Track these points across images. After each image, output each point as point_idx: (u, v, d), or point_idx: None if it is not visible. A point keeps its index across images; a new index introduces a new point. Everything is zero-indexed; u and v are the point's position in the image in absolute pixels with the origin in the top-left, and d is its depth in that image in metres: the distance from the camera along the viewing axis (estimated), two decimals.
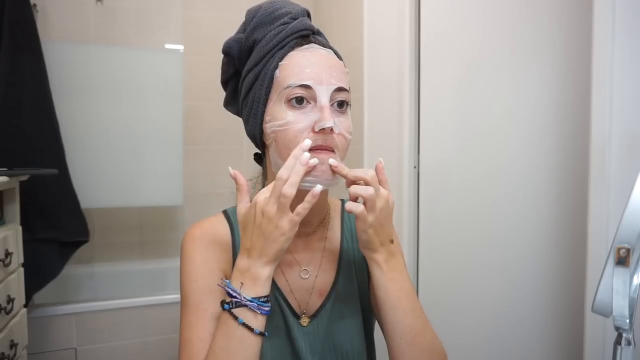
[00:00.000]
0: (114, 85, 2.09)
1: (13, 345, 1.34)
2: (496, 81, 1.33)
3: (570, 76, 1.12)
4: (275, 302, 0.73)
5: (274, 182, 0.59)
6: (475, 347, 1.40)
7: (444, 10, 1.54)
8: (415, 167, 1.66)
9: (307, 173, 0.61)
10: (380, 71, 1.82)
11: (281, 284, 0.74)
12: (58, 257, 1.83)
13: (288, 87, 0.65)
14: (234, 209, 0.79)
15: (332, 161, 0.64)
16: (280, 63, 0.67)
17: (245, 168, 2.52)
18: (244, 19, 0.73)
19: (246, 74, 0.71)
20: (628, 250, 0.49)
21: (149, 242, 2.47)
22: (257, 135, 0.71)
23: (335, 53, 0.71)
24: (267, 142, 0.70)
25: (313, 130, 0.64)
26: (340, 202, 0.85)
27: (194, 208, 2.42)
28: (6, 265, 1.31)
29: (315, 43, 0.69)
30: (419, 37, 1.63)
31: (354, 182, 0.64)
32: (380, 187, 0.65)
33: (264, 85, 0.68)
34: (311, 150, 0.64)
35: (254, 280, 0.60)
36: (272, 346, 0.72)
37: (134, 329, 1.90)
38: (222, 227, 0.76)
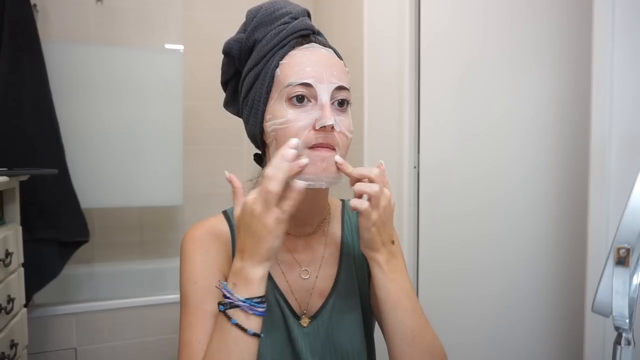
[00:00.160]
0: (114, 85, 2.09)
1: (13, 345, 1.34)
2: (496, 81, 1.33)
3: (570, 76, 1.12)
4: (275, 302, 0.73)
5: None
6: (475, 347, 1.40)
7: (444, 10, 1.54)
8: (415, 167, 1.66)
9: (298, 173, 0.60)
10: (380, 71, 1.82)
11: (281, 284, 0.74)
12: (58, 257, 1.83)
13: (289, 85, 0.65)
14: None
15: (337, 158, 0.65)
16: (280, 62, 0.67)
17: (245, 168, 2.52)
18: (244, 19, 0.73)
19: (247, 74, 0.71)
20: (628, 250, 0.49)
21: (149, 242, 2.47)
22: (257, 134, 0.71)
23: (336, 53, 0.72)
24: (267, 141, 0.71)
25: (314, 128, 0.64)
26: (340, 203, 0.85)
27: (194, 208, 2.42)
28: (6, 265, 1.31)
29: (316, 43, 0.70)
30: (419, 37, 1.63)
31: (358, 179, 0.65)
32: (383, 187, 0.65)
33: (265, 84, 0.68)
34: (312, 148, 0.64)
35: (246, 281, 0.59)
36: (272, 347, 0.71)
37: (134, 329, 1.90)
38: (222, 228, 0.76)
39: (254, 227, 0.59)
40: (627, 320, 0.50)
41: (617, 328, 0.51)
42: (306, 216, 0.75)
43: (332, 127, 0.64)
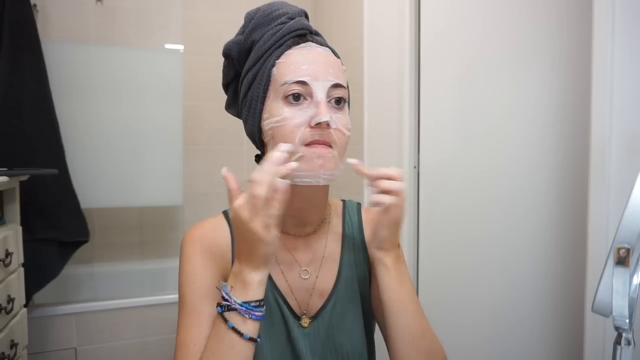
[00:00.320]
0: (114, 85, 2.09)
1: (13, 345, 1.34)
2: (496, 81, 1.33)
3: (571, 76, 1.12)
4: (275, 303, 0.73)
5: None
6: (475, 347, 1.40)
7: (444, 10, 1.54)
8: (415, 167, 1.66)
9: (286, 176, 0.60)
10: (380, 71, 1.82)
11: (281, 284, 0.74)
12: (58, 257, 1.83)
13: (285, 83, 0.66)
14: None
15: (352, 160, 0.66)
16: (277, 61, 0.68)
17: (246, 168, 2.53)
18: (243, 20, 0.74)
19: (245, 74, 0.72)
20: (628, 250, 0.49)
21: (149, 242, 2.47)
22: (255, 134, 0.72)
23: (333, 51, 0.72)
24: (265, 140, 0.71)
25: (309, 126, 0.64)
26: (341, 203, 0.84)
27: (194, 208, 2.42)
28: (6, 265, 1.31)
29: (313, 42, 0.70)
30: (419, 37, 1.64)
31: (376, 178, 0.66)
32: None
33: (262, 83, 0.69)
34: (308, 145, 0.64)
35: (244, 284, 0.59)
36: (272, 347, 0.71)
37: (134, 329, 1.90)
38: (221, 229, 0.75)
39: (244, 233, 0.58)
40: (627, 320, 0.50)
41: (617, 328, 0.51)
42: (306, 216, 0.75)
43: (328, 124, 0.64)
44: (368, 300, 0.79)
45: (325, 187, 0.75)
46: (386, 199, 0.64)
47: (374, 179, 0.66)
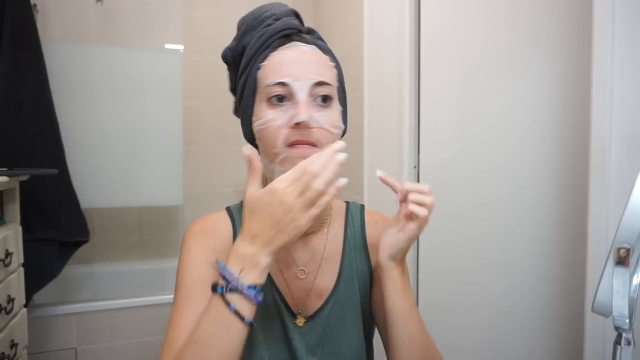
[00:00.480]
0: (114, 85, 2.09)
1: (13, 345, 1.34)
2: (496, 81, 1.33)
3: (570, 76, 1.12)
4: (272, 299, 0.73)
5: (293, 173, 0.58)
6: (475, 347, 1.40)
7: (444, 10, 1.54)
8: (415, 167, 1.66)
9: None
10: (380, 71, 1.82)
11: (279, 282, 0.74)
12: (58, 257, 1.83)
13: (267, 85, 0.66)
14: (237, 206, 0.79)
15: (380, 172, 0.66)
16: (261, 64, 0.68)
17: (245, 168, 2.52)
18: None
19: (239, 79, 0.73)
20: (628, 250, 0.49)
21: (149, 242, 2.47)
22: (249, 137, 0.72)
23: (322, 48, 0.71)
24: (257, 143, 0.71)
25: (290, 126, 0.64)
26: (345, 204, 0.84)
27: (194, 208, 2.43)
28: (6, 265, 1.31)
29: (299, 41, 0.69)
30: (419, 37, 1.64)
31: (409, 192, 0.66)
32: None
33: (250, 87, 0.70)
34: (291, 146, 0.64)
35: (255, 268, 0.58)
36: (267, 343, 0.71)
37: (134, 329, 1.90)
38: (223, 224, 0.76)
39: (281, 218, 0.57)
40: (627, 320, 0.50)
41: (617, 328, 0.51)
42: None
43: (307, 124, 0.63)
44: (368, 304, 0.78)
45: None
46: (422, 211, 0.64)
47: (405, 191, 0.66)
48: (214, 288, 0.58)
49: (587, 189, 0.97)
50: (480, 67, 1.39)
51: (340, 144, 0.60)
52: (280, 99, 0.66)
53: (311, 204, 0.57)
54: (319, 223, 0.78)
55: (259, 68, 0.68)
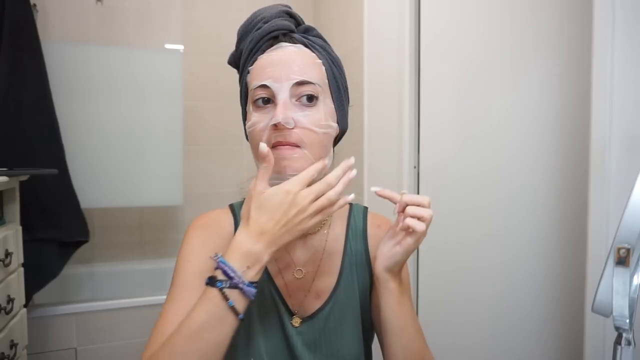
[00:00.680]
0: (114, 85, 2.09)
1: (13, 345, 1.34)
2: (496, 82, 1.33)
3: (571, 77, 1.12)
4: (271, 297, 0.73)
5: (305, 177, 0.61)
6: (475, 347, 1.40)
7: (444, 10, 1.54)
8: (415, 167, 1.67)
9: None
10: (380, 71, 1.82)
11: (278, 281, 0.74)
12: (58, 257, 1.83)
13: (252, 89, 0.68)
14: (240, 203, 0.79)
15: (374, 188, 0.67)
16: (250, 67, 0.69)
17: (246, 168, 2.52)
18: (243, 19, 0.74)
19: (239, 84, 0.74)
20: (628, 250, 0.49)
21: (149, 242, 2.47)
22: (247, 139, 0.73)
23: (310, 46, 0.70)
24: None
25: (272, 128, 0.65)
26: (348, 206, 0.83)
27: (194, 208, 2.42)
28: (6, 265, 1.31)
29: (288, 41, 0.69)
30: (419, 37, 1.64)
31: (407, 204, 0.66)
32: None
33: (243, 90, 0.72)
34: (274, 147, 0.65)
35: (257, 265, 0.59)
36: (266, 341, 0.71)
37: (134, 329, 1.90)
38: (226, 220, 0.76)
39: (292, 219, 0.59)
40: (627, 321, 0.50)
41: (617, 328, 0.51)
42: None
43: (282, 125, 0.63)
44: (368, 307, 0.78)
45: (325, 168, 0.74)
46: (419, 226, 0.64)
47: (403, 205, 0.66)
48: (212, 282, 0.59)
49: (587, 190, 0.97)
50: (480, 67, 1.39)
51: (352, 160, 0.63)
52: (267, 101, 0.67)
53: (320, 210, 0.60)
54: (319, 223, 0.77)
55: (248, 72, 0.70)
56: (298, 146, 0.65)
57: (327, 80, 0.69)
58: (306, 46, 0.70)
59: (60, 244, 1.83)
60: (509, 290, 1.29)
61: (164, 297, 0.71)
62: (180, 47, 2.40)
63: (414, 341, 0.69)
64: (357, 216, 0.81)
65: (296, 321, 0.73)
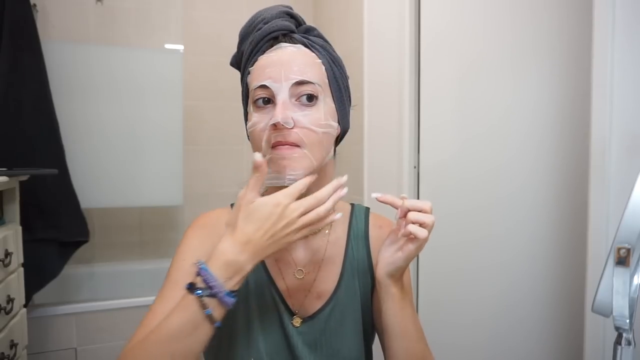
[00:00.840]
0: (114, 85, 2.09)
1: (13, 345, 1.34)
2: (496, 82, 1.33)
3: (571, 77, 1.13)
4: (272, 299, 0.73)
5: (295, 190, 0.61)
6: (475, 347, 1.40)
7: (444, 11, 1.54)
8: (415, 167, 1.67)
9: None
10: (380, 71, 1.82)
11: (278, 281, 0.74)
12: (58, 257, 1.83)
13: (253, 89, 0.68)
14: None
15: (375, 195, 0.66)
16: (250, 68, 0.70)
17: (246, 168, 2.53)
18: (243, 19, 0.74)
19: (241, 85, 0.75)
20: (628, 250, 0.49)
21: (149, 242, 2.47)
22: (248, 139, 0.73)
23: (310, 45, 0.70)
24: None
25: (271, 128, 0.65)
26: (350, 206, 0.83)
27: (194, 208, 2.42)
28: (6, 265, 1.31)
29: (288, 42, 0.69)
30: (419, 37, 1.64)
31: (409, 210, 0.65)
32: None
33: (244, 91, 0.72)
34: (273, 147, 0.65)
35: (238, 275, 0.59)
36: (266, 341, 0.71)
37: (134, 329, 1.89)
38: (225, 220, 0.76)
39: (279, 231, 0.59)
40: (628, 321, 0.50)
41: (617, 328, 0.51)
42: None
43: (281, 125, 0.63)
44: (369, 308, 0.78)
45: (323, 183, 0.74)
46: (421, 232, 0.64)
47: (404, 211, 0.65)
48: (192, 289, 0.58)
49: (587, 190, 0.97)
50: (480, 67, 1.39)
51: (344, 178, 0.63)
52: (267, 101, 0.67)
53: (307, 225, 0.60)
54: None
55: (248, 73, 0.70)
56: (298, 146, 0.65)
57: (327, 80, 0.69)
58: (306, 46, 0.70)
59: (60, 244, 1.83)
60: (509, 290, 1.29)
61: None
62: (180, 47, 2.40)
63: (416, 344, 0.69)
64: (359, 217, 0.81)
65: (296, 321, 0.73)
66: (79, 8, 2.25)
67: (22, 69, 1.74)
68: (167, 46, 2.47)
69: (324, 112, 0.68)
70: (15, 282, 1.41)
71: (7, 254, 1.32)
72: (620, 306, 0.50)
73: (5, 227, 1.39)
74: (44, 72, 1.83)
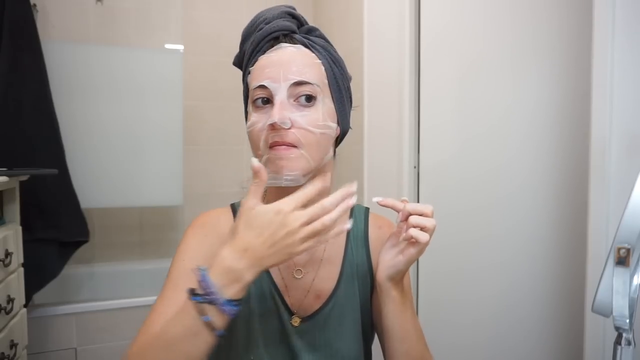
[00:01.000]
0: (114, 85, 2.09)
1: (13, 345, 1.34)
2: (496, 81, 1.33)
3: (571, 77, 1.13)
4: (271, 296, 0.73)
5: (301, 197, 0.58)
6: (475, 347, 1.40)
7: (444, 10, 1.54)
8: (415, 167, 1.67)
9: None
10: (380, 71, 1.82)
11: (277, 281, 0.74)
12: (58, 257, 1.83)
13: (252, 89, 0.68)
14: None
15: (376, 199, 0.66)
16: (250, 68, 0.70)
17: (246, 168, 2.53)
18: (243, 19, 0.75)
19: (243, 84, 0.74)
20: (628, 250, 0.49)
21: (149, 242, 2.47)
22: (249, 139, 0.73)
23: (310, 46, 0.70)
24: None
25: (269, 128, 0.65)
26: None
27: (194, 208, 2.42)
28: (6, 265, 1.31)
29: (288, 42, 0.69)
30: (419, 37, 1.64)
31: (410, 214, 0.65)
32: None
33: (244, 91, 0.72)
34: (271, 147, 0.65)
35: (237, 283, 0.56)
36: (267, 341, 0.72)
37: (134, 329, 1.88)
38: (226, 220, 0.76)
39: (281, 240, 0.56)
40: (628, 320, 0.50)
41: (617, 328, 0.51)
42: None
43: (278, 126, 0.63)
44: (369, 308, 0.78)
45: (325, 188, 0.74)
46: (423, 236, 0.63)
47: (406, 215, 0.65)
48: (191, 294, 0.57)
49: (587, 190, 0.97)
50: (480, 67, 1.39)
51: (354, 187, 0.60)
52: (266, 101, 0.67)
53: (313, 235, 0.57)
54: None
55: (249, 73, 0.70)
56: (295, 146, 0.65)
57: (326, 81, 0.69)
58: (306, 46, 0.70)
59: (60, 244, 1.83)
60: (509, 290, 1.29)
61: None
62: (180, 47, 2.40)
63: (415, 347, 0.69)
64: (359, 217, 0.81)
65: (295, 321, 0.73)
66: (79, 8, 2.25)
67: (22, 69, 1.74)
68: (167, 46, 2.47)
69: (322, 113, 0.67)
70: (15, 282, 1.41)
71: (7, 254, 1.32)
72: (620, 306, 0.50)
73: (5, 227, 1.39)
74: (44, 72, 1.83)
